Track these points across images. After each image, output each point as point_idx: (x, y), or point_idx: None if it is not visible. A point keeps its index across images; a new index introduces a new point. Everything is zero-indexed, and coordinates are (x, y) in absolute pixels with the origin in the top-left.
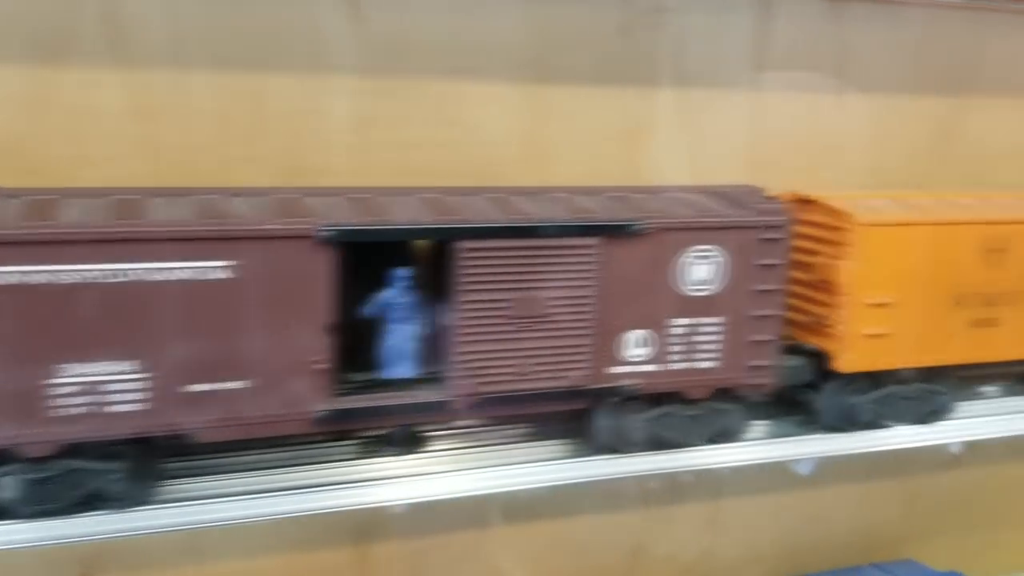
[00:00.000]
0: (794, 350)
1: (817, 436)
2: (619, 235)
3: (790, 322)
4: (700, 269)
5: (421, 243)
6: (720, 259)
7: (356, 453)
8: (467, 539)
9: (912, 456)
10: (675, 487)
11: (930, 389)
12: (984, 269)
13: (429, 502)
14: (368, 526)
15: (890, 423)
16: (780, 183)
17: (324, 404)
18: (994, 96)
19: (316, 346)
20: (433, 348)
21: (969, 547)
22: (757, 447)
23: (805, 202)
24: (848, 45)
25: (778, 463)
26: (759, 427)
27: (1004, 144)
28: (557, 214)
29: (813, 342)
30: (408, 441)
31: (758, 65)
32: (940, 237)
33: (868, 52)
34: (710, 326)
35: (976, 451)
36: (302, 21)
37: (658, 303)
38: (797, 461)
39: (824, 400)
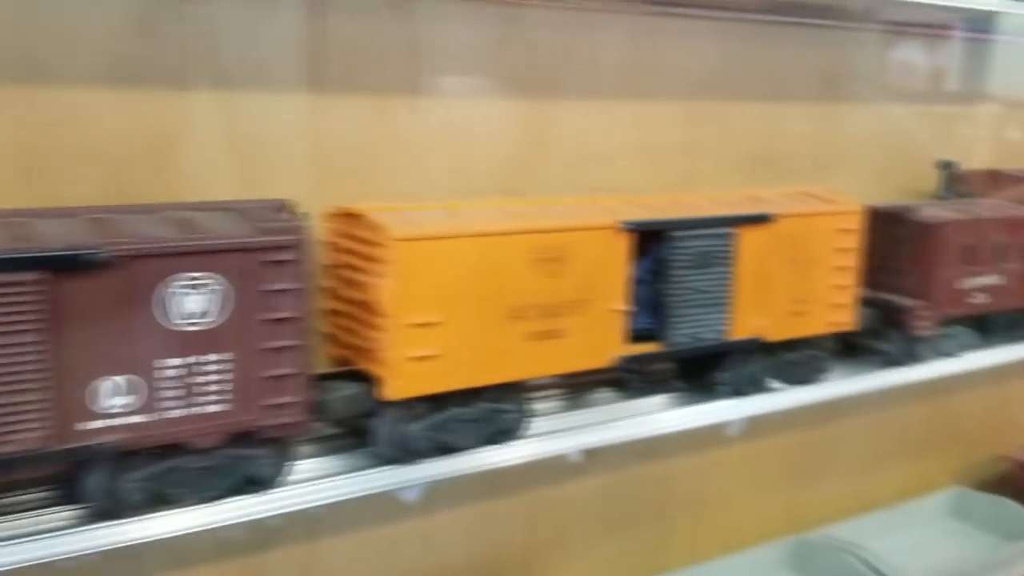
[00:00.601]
0: (353, 377)
1: (386, 468)
2: (71, 267)
3: (350, 347)
4: (191, 300)
5: None
6: (216, 287)
7: None
8: None
9: (532, 470)
10: (262, 534)
11: (496, 408)
12: (540, 280)
13: None
14: None
15: (456, 447)
16: (352, 194)
17: None
18: (583, 98)
19: None
20: None
21: (599, 556)
22: (305, 490)
23: (350, 216)
24: (420, 45)
25: (385, 493)
26: (322, 463)
27: (595, 147)
28: None
29: (369, 368)
30: None
31: (315, 65)
32: (488, 249)
33: (444, 52)
34: (212, 364)
35: (597, 458)
36: None
37: (139, 343)
38: (404, 488)
39: (380, 430)
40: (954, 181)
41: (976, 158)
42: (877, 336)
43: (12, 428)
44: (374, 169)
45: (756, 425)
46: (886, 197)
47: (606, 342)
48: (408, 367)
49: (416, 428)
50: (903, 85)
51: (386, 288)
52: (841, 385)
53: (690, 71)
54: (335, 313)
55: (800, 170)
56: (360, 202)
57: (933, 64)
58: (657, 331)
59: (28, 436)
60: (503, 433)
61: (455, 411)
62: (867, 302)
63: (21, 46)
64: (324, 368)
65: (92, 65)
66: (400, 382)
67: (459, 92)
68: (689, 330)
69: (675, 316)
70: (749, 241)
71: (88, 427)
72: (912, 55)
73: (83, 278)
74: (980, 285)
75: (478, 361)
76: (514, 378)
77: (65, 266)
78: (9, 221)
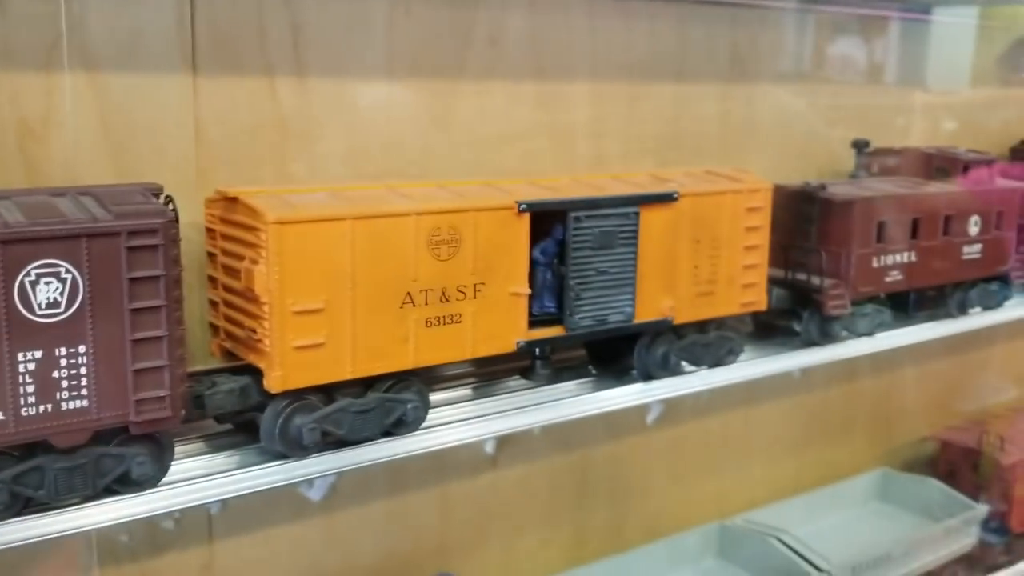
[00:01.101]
0: (244, 371)
1: (273, 464)
2: None
3: (234, 338)
4: (46, 288)
5: None
6: (72, 275)
7: None
8: None
9: (446, 462)
10: (155, 536)
11: (391, 399)
12: (434, 263)
13: None
14: None
15: (349, 440)
16: (238, 180)
17: None
18: (485, 79)
19: None
20: None
21: (520, 548)
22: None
23: (228, 200)
24: (306, 24)
25: (287, 490)
26: (209, 461)
27: (499, 129)
28: None
29: (251, 359)
30: None
31: (192, 45)
32: (375, 231)
33: (333, 31)
34: (69, 357)
35: (513, 448)
36: None
37: None
38: (308, 486)
39: (265, 424)
40: (868, 160)
41: (896, 137)
42: (791, 316)
43: None
44: (262, 153)
45: (675, 410)
46: (801, 177)
47: (506, 327)
48: (291, 357)
49: (304, 421)
50: (819, 65)
51: (264, 274)
52: (755, 366)
53: (595, 52)
54: (219, 303)
55: (711, 151)
56: (239, 183)
57: (852, 44)
58: (561, 315)
59: None
60: (401, 424)
61: (346, 402)
62: (780, 282)
63: None
64: (215, 362)
65: None
66: (283, 373)
67: (350, 72)
68: (593, 313)
69: (578, 299)
70: (653, 221)
71: None
72: (829, 35)
73: None
74: (894, 263)
75: (369, 349)
76: (409, 366)
77: None
78: None
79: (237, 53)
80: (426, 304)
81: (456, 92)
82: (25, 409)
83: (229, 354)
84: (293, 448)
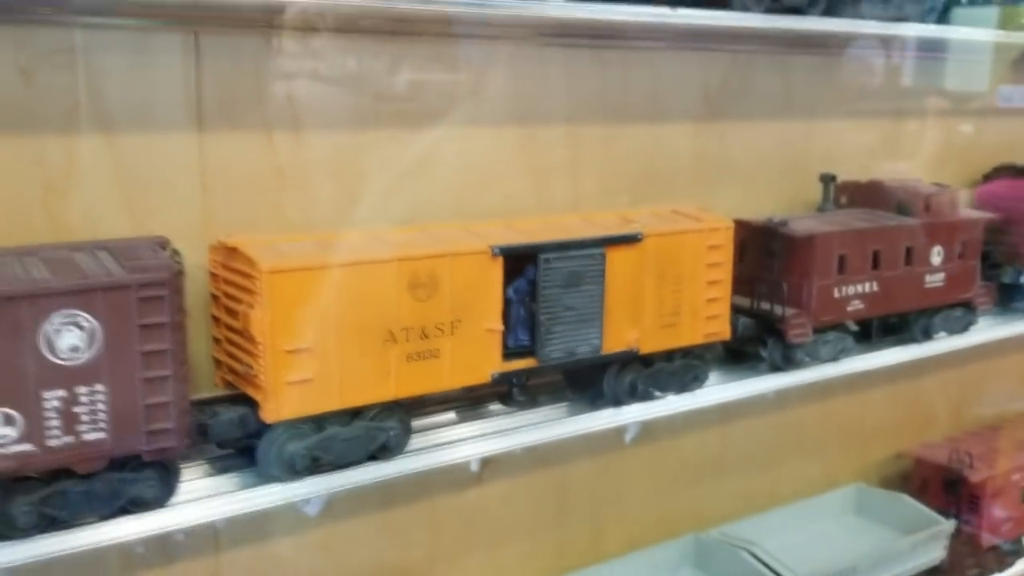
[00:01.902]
0: (240, 400)
1: (270, 486)
2: None
3: (234, 372)
4: (69, 335)
5: None
6: (91, 323)
7: None
8: None
9: (435, 480)
10: (167, 548)
11: (375, 427)
12: (413, 304)
13: None
14: None
15: (338, 464)
16: (238, 226)
17: None
18: (465, 126)
19: None
20: None
21: (503, 561)
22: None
23: (228, 249)
24: (299, 81)
25: (286, 506)
26: (213, 483)
27: (479, 171)
28: None
29: (250, 392)
30: None
31: (196, 104)
32: (359, 277)
33: (324, 86)
34: (89, 395)
35: (493, 467)
36: None
37: (22, 376)
38: (305, 502)
39: (262, 450)
40: (835, 192)
41: (863, 170)
42: (757, 343)
43: None
44: (259, 202)
45: (652, 429)
46: (773, 209)
47: (482, 360)
48: (284, 391)
49: (296, 448)
50: (789, 101)
51: (259, 318)
52: (722, 391)
53: (571, 96)
54: (221, 340)
55: (684, 187)
56: (246, 233)
57: (820, 79)
58: (533, 347)
59: None
60: (385, 450)
61: (334, 431)
62: (745, 311)
63: None
64: (217, 391)
65: None
66: (277, 405)
67: (340, 124)
68: (563, 345)
69: (548, 333)
70: (618, 260)
71: None
72: (798, 71)
73: None
74: (855, 292)
75: (354, 382)
76: (391, 397)
77: None
78: None
79: (238, 111)
80: (407, 341)
81: (440, 138)
82: (50, 440)
83: (231, 385)
84: (288, 472)
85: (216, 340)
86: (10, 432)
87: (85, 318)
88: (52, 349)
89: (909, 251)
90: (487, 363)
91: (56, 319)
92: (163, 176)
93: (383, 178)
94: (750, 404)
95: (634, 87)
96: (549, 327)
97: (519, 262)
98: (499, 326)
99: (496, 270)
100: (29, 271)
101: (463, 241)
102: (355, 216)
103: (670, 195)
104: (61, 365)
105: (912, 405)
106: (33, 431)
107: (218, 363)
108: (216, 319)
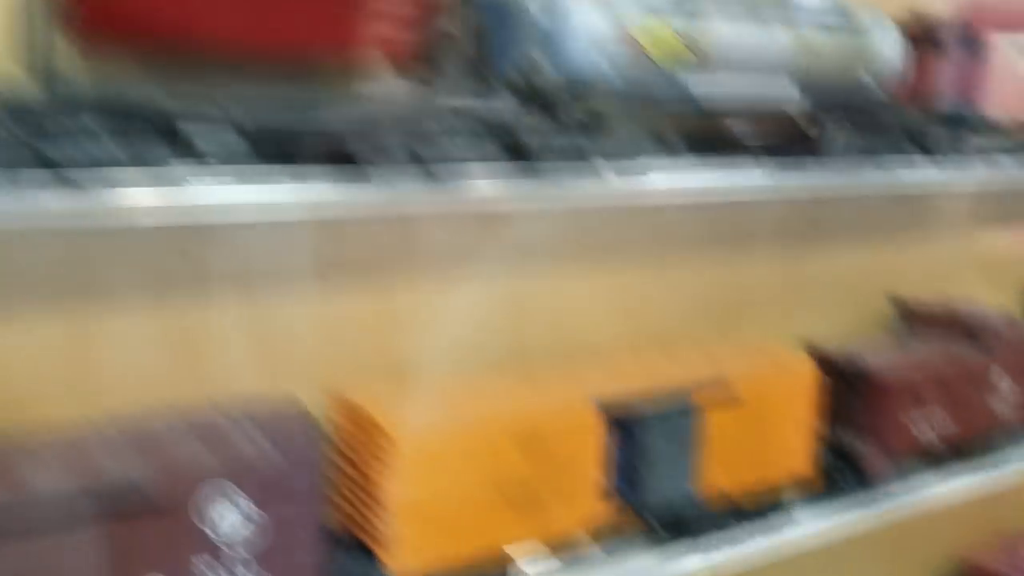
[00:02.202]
0: (354, 543)
1: None
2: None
3: (355, 523)
4: (223, 511)
5: None
6: (243, 499)
7: None
8: None
9: None
10: None
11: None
12: (522, 459)
13: None
14: None
15: None
16: (360, 369)
17: None
18: (558, 266)
19: None
20: None
21: None
22: None
23: (353, 407)
24: (413, 242)
25: None
26: None
27: (571, 308)
28: None
29: (367, 542)
30: None
31: (322, 265)
32: (474, 435)
33: (438, 247)
34: (243, 562)
35: None
36: None
37: (180, 549)
38: None
39: None
40: (906, 318)
41: (935, 293)
42: (836, 474)
43: None
44: (377, 347)
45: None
46: (847, 331)
47: (584, 509)
48: (408, 548)
49: None
50: (864, 225)
51: (384, 479)
52: (807, 526)
53: (657, 237)
54: (344, 490)
55: (762, 312)
56: (362, 376)
57: (894, 203)
58: (631, 496)
59: None
60: None
61: None
62: (824, 443)
63: (84, 273)
64: (337, 534)
65: (142, 285)
66: (402, 562)
67: (452, 277)
68: (661, 493)
69: (647, 482)
70: (713, 414)
71: None
72: (873, 196)
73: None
74: (928, 423)
75: (468, 536)
76: (501, 545)
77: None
78: (67, 449)
79: (358, 267)
80: (516, 492)
81: (533, 282)
82: None
83: (347, 530)
84: None
85: (339, 489)
86: None
87: (240, 495)
88: (209, 523)
89: (981, 381)
90: (591, 511)
91: (215, 497)
92: (290, 330)
93: (485, 321)
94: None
95: (718, 221)
96: (647, 477)
97: (620, 416)
98: (600, 477)
99: (598, 425)
100: (182, 447)
101: (568, 397)
102: (461, 357)
103: (748, 320)
104: (213, 538)
105: (975, 514)
106: None
107: (339, 509)
108: (340, 470)
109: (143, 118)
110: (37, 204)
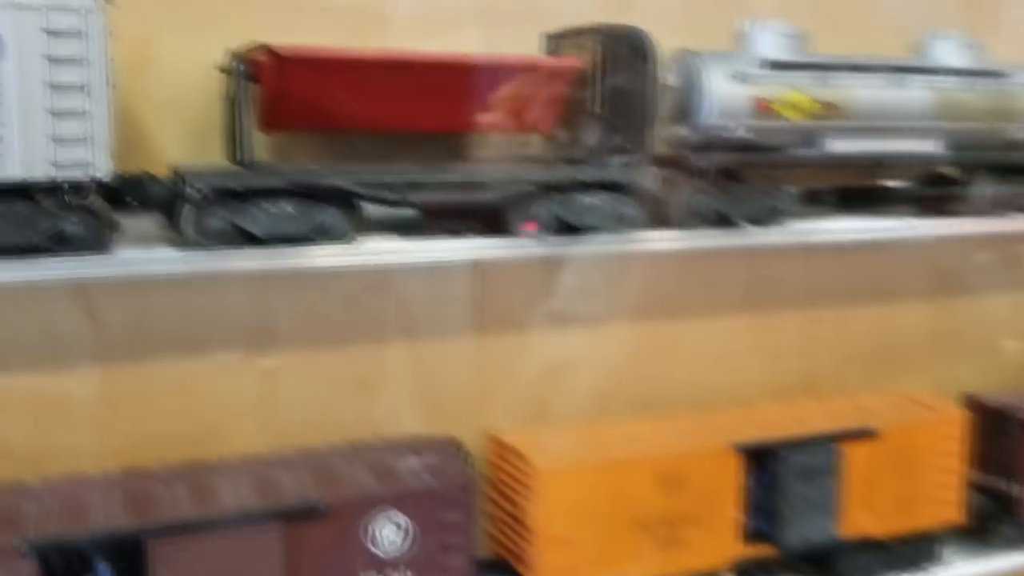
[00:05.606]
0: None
1: None
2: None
3: (505, 548)
4: (388, 531)
5: None
6: (405, 520)
7: None
8: None
9: None
10: None
11: None
12: (663, 496)
13: None
14: None
15: None
16: (507, 409)
17: None
18: (703, 315)
19: None
20: None
21: None
22: None
23: (503, 445)
24: (557, 287)
25: None
26: None
27: (715, 355)
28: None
29: (519, 569)
30: None
31: (478, 313)
32: (615, 474)
33: (579, 291)
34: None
35: None
36: None
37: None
38: None
39: None
40: None
41: None
42: (995, 520)
43: None
44: (524, 390)
45: None
46: (1006, 384)
47: (723, 545)
48: (552, 573)
49: None
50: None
51: (532, 509)
52: (957, 569)
53: (804, 284)
54: (494, 518)
55: (917, 364)
56: (513, 417)
57: None
58: (772, 534)
59: None
60: None
61: None
62: (981, 488)
63: (262, 321)
64: (492, 560)
65: (312, 332)
66: None
67: (593, 321)
68: (801, 532)
69: (786, 521)
70: (854, 453)
71: None
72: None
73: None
74: None
75: (610, 566)
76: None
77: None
78: (254, 470)
79: (511, 319)
80: (655, 527)
81: (679, 328)
82: None
83: (496, 554)
84: None
85: (490, 517)
86: None
87: (402, 516)
88: (375, 542)
89: None
90: (728, 548)
91: (379, 517)
92: (451, 374)
93: (627, 365)
94: None
95: (866, 271)
96: (787, 516)
97: (759, 455)
98: (740, 514)
99: (737, 465)
100: (358, 478)
101: (707, 438)
102: (607, 401)
103: (901, 370)
104: (378, 554)
105: None
106: None
107: (490, 536)
108: (492, 501)
109: (327, 196)
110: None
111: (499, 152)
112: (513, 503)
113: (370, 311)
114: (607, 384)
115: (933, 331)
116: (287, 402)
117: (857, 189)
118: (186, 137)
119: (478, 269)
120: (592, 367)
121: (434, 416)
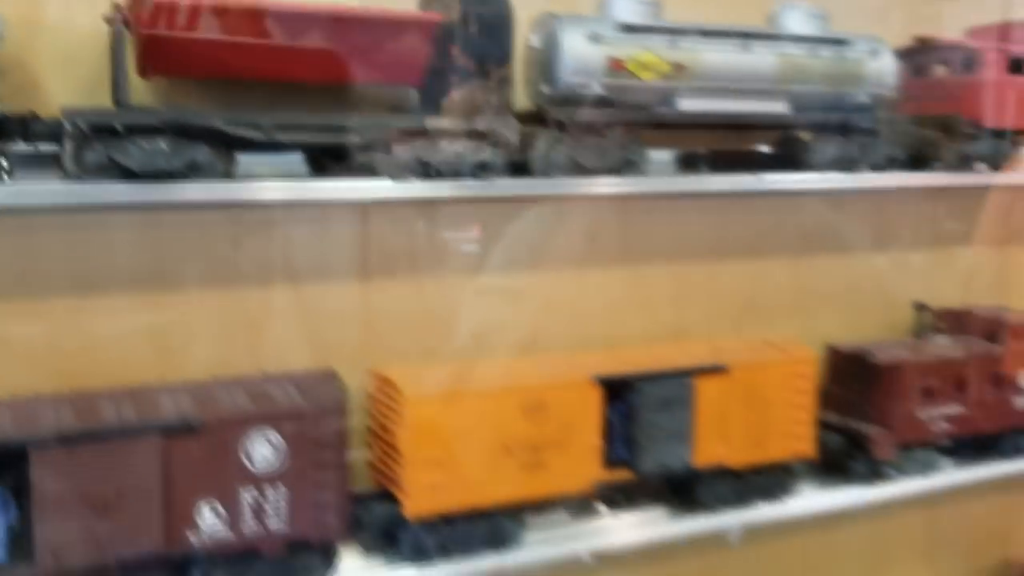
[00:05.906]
0: (388, 497)
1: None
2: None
3: (384, 475)
4: (262, 449)
5: None
6: (278, 440)
7: None
8: None
9: (555, 569)
10: None
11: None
12: (527, 424)
13: None
14: None
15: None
16: (392, 352)
17: None
18: (583, 268)
19: None
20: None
21: None
22: None
23: (382, 378)
24: (444, 239)
25: None
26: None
27: (593, 305)
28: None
29: (395, 491)
30: None
31: (363, 260)
32: (483, 404)
33: (465, 242)
34: (276, 497)
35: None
36: None
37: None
38: None
39: (403, 540)
40: (930, 320)
41: (953, 299)
42: (848, 457)
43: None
44: (409, 333)
45: (755, 534)
46: (870, 336)
47: (585, 470)
48: (421, 493)
49: (430, 539)
50: (883, 233)
51: (402, 433)
52: (809, 501)
53: (677, 240)
54: (375, 448)
55: (783, 316)
56: (398, 358)
57: (908, 214)
58: (630, 460)
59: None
60: (503, 542)
61: (463, 526)
62: (836, 428)
63: (152, 263)
64: (370, 487)
65: (201, 272)
66: (415, 504)
67: (477, 271)
68: (657, 459)
69: (643, 448)
70: (706, 387)
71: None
72: (891, 204)
73: (189, 437)
74: (941, 414)
75: (477, 487)
76: (508, 500)
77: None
78: (138, 396)
79: (394, 265)
80: (520, 453)
81: (559, 279)
82: (245, 529)
83: (378, 483)
84: (423, 557)
85: (371, 447)
86: (215, 521)
87: (275, 437)
88: (250, 459)
89: (996, 376)
90: (589, 473)
91: (254, 436)
92: (335, 316)
93: (510, 312)
94: (853, 512)
95: (733, 230)
96: (644, 443)
97: (619, 388)
98: (600, 441)
99: (597, 396)
100: (235, 400)
101: (569, 372)
102: (485, 345)
103: (769, 323)
104: (255, 472)
105: (1011, 515)
106: (233, 522)
107: (371, 466)
108: (372, 431)
109: (200, 135)
110: (113, 194)
111: (376, 105)
112: (389, 431)
113: (257, 254)
114: (487, 329)
115: (798, 286)
116: (175, 341)
117: (726, 152)
118: (79, 88)
119: (362, 213)
120: (473, 313)
121: (321, 357)
